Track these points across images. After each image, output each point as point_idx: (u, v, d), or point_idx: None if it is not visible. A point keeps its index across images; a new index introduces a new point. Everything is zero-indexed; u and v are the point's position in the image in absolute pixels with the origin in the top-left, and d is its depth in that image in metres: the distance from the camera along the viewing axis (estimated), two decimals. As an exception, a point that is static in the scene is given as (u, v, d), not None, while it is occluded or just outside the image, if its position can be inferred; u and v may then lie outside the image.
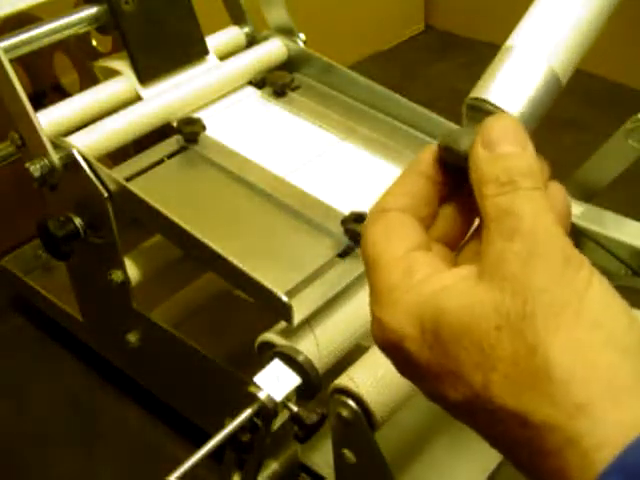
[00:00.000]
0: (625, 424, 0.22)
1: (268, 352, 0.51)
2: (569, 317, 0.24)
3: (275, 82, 0.73)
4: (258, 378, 0.49)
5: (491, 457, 0.50)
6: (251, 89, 0.74)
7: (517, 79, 0.29)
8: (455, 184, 0.30)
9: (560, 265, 0.25)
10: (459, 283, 0.26)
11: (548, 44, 0.29)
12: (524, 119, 0.29)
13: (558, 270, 0.25)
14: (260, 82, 0.75)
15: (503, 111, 0.28)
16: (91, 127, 0.63)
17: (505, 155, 0.27)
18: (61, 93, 0.79)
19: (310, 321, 0.53)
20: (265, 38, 0.76)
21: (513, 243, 0.25)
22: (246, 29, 0.76)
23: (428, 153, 0.30)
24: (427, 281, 0.27)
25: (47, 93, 0.80)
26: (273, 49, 0.75)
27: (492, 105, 0.29)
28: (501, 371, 0.24)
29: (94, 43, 0.76)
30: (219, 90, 0.71)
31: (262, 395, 0.48)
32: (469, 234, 0.30)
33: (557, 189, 0.29)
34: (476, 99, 0.29)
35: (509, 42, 0.30)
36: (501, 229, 0.26)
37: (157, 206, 0.56)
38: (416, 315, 0.26)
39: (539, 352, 0.23)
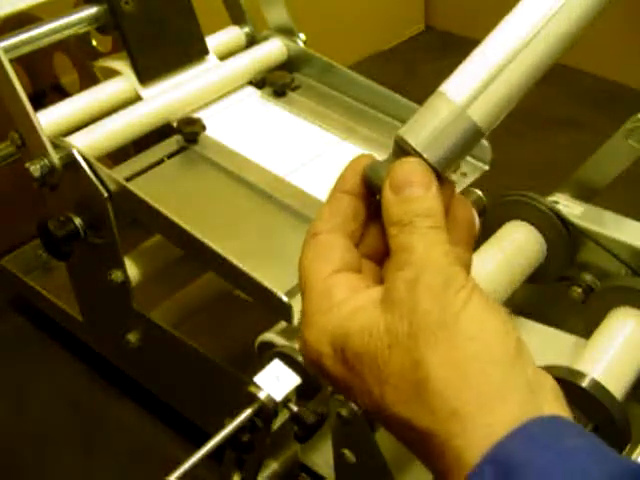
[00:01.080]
0: (492, 426, 0.26)
1: (268, 352, 0.51)
2: (446, 334, 0.27)
3: (275, 82, 0.73)
4: (258, 378, 0.49)
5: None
6: (251, 89, 0.74)
7: (437, 126, 0.31)
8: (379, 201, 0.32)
9: (441, 288, 0.28)
10: (366, 306, 0.29)
11: (474, 97, 0.31)
12: (437, 163, 0.31)
13: (439, 293, 0.28)
14: (260, 82, 0.75)
15: (417, 154, 0.31)
16: (91, 127, 0.63)
17: (408, 198, 0.30)
18: (61, 93, 0.79)
19: (310, 321, 0.53)
20: (265, 38, 0.76)
21: (403, 272, 0.29)
22: (246, 29, 0.76)
23: (351, 171, 0.33)
24: (343, 303, 0.30)
25: (47, 93, 0.80)
26: (273, 49, 0.75)
27: (409, 146, 0.31)
28: (392, 384, 0.28)
29: (94, 43, 0.76)
30: (219, 90, 0.71)
31: (262, 395, 0.48)
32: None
33: (460, 203, 0.33)
34: (398, 137, 0.32)
35: (442, 87, 0.32)
36: (397, 261, 0.29)
37: (157, 206, 0.56)
38: (330, 335, 0.30)
39: (421, 366, 0.27)
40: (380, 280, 0.32)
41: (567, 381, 0.50)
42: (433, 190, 0.30)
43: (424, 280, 0.28)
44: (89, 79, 0.71)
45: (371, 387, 0.28)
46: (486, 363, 0.27)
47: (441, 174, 0.31)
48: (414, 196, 0.30)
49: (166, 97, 0.67)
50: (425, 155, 0.31)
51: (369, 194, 0.32)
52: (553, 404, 0.27)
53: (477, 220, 0.33)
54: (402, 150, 0.32)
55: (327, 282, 0.31)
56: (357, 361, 0.29)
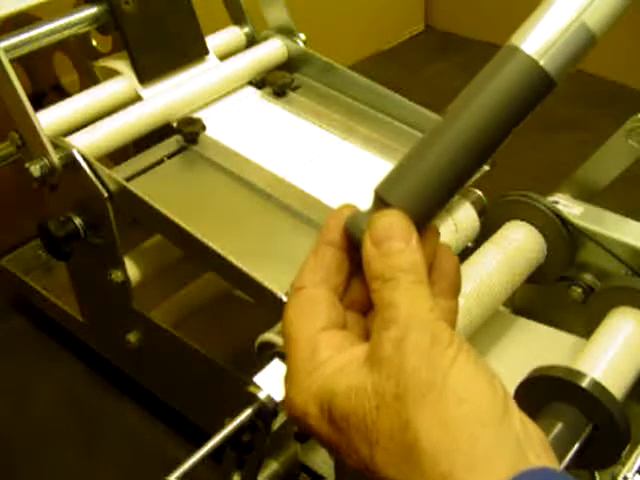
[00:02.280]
0: None
1: (268, 352, 0.51)
2: (435, 395, 0.27)
3: (275, 82, 0.73)
4: (258, 378, 0.49)
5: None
6: (251, 89, 0.74)
7: (410, 179, 0.31)
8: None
9: (427, 346, 0.28)
10: (352, 365, 0.29)
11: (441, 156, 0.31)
12: (414, 215, 0.31)
13: (425, 351, 0.28)
14: (260, 82, 0.75)
15: (394, 207, 0.31)
16: (91, 127, 0.63)
17: (389, 253, 0.30)
18: (61, 93, 0.79)
19: (310, 321, 0.53)
20: (265, 38, 0.76)
21: (389, 331, 0.29)
22: (246, 29, 0.76)
23: (334, 222, 0.33)
24: (328, 362, 0.30)
25: (47, 93, 0.80)
26: (273, 49, 0.75)
27: (386, 200, 0.31)
28: (382, 445, 0.28)
29: (94, 43, 0.76)
30: (219, 90, 0.71)
31: (262, 395, 0.48)
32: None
33: (444, 253, 0.33)
34: (376, 191, 0.32)
35: (408, 152, 0.32)
36: (382, 318, 0.29)
37: (157, 206, 0.56)
38: (315, 395, 0.30)
39: (410, 428, 0.27)
40: (365, 333, 0.32)
41: (567, 381, 0.50)
42: (413, 243, 0.30)
43: (410, 339, 0.28)
44: (89, 79, 0.71)
45: (359, 448, 0.28)
46: (476, 425, 0.27)
47: (423, 224, 0.31)
48: (395, 250, 0.30)
49: (166, 97, 0.67)
50: (404, 208, 0.31)
51: (352, 246, 0.32)
52: (543, 456, 0.27)
53: (460, 269, 0.33)
54: (382, 202, 0.32)
55: (312, 340, 0.31)
56: (344, 422, 0.29)
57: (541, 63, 0.31)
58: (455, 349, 0.28)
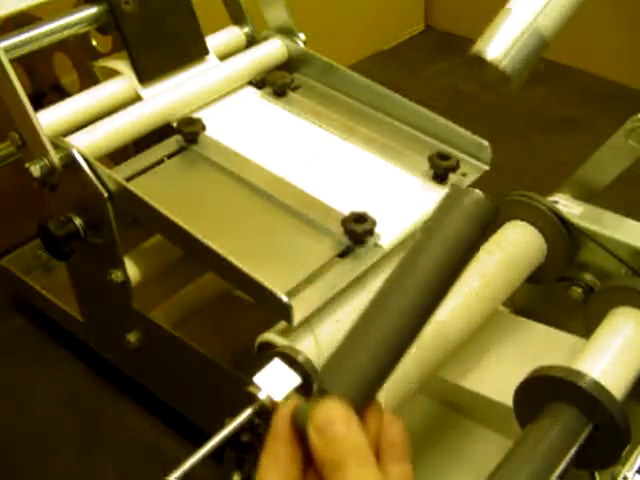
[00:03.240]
0: None
1: (268, 352, 0.51)
2: None
3: (275, 82, 0.73)
4: (258, 378, 0.49)
5: (487, 463, 0.50)
6: (251, 89, 0.74)
7: (346, 365, 0.34)
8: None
9: None
10: None
11: None
12: (354, 399, 0.33)
13: None
14: (260, 82, 0.75)
15: (333, 394, 0.33)
16: (91, 127, 0.63)
17: (333, 439, 0.31)
18: (61, 93, 0.79)
19: (310, 321, 0.53)
20: (265, 38, 0.76)
21: None
22: (246, 29, 0.76)
23: (280, 417, 0.34)
24: None
25: (47, 93, 0.80)
26: (273, 49, 0.75)
27: (325, 388, 0.33)
28: None
29: (94, 43, 0.76)
30: (219, 90, 0.71)
31: (262, 395, 0.48)
32: None
33: (391, 424, 0.35)
34: (319, 386, 0.34)
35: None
36: None
37: (157, 206, 0.56)
38: None
39: None
40: None
41: (567, 381, 0.50)
42: (354, 425, 0.32)
43: None
44: (89, 79, 0.71)
45: None
46: None
47: (364, 405, 0.33)
48: (338, 435, 0.31)
49: (166, 97, 0.67)
50: (343, 393, 0.33)
51: (301, 437, 0.33)
52: None
53: (406, 433, 0.35)
54: (321, 390, 0.33)
55: None
56: None
57: (502, 65, 0.34)
58: None
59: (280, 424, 0.34)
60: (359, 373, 0.33)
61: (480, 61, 0.34)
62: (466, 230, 0.34)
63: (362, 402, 0.33)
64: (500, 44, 0.34)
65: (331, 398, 0.33)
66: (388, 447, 0.34)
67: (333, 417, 0.32)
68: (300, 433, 0.33)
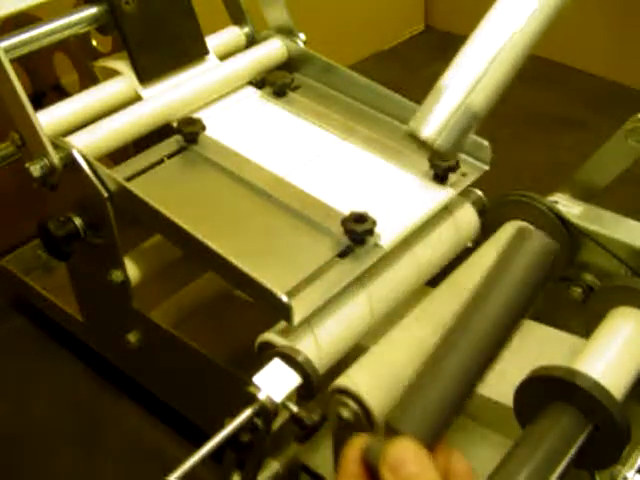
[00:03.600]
0: None
1: (268, 352, 0.51)
2: None
3: (275, 82, 0.73)
4: (258, 378, 0.49)
5: (488, 461, 0.50)
6: (251, 89, 0.74)
7: (418, 407, 0.34)
8: None
9: None
10: None
11: None
12: (425, 438, 0.34)
13: None
14: (260, 82, 0.75)
15: (405, 433, 0.33)
16: (91, 127, 0.63)
17: (407, 478, 0.32)
18: (61, 93, 0.79)
19: (310, 321, 0.53)
20: (265, 38, 0.76)
21: None
22: (246, 29, 0.76)
23: (351, 453, 0.35)
24: None
25: (47, 93, 0.80)
26: (273, 49, 0.75)
27: (396, 428, 0.34)
28: None
29: (94, 43, 0.76)
30: (219, 90, 0.71)
31: (262, 395, 0.48)
32: None
33: (457, 460, 0.35)
34: (387, 420, 0.34)
35: None
36: None
37: (157, 206, 0.56)
38: None
39: None
40: None
41: (567, 381, 0.50)
42: (427, 464, 0.32)
43: None
44: (89, 79, 0.71)
45: None
46: None
47: (434, 443, 0.34)
48: (411, 474, 0.32)
49: (166, 97, 0.67)
50: (415, 432, 0.33)
51: (371, 475, 0.34)
52: None
53: (471, 472, 0.36)
54: (393, 430, 0.34)
55: None
56: None
57: (435, 145, 0.36)
58: None
59: (351, 461, 0.35)
60: (430, 412, 0.34)
61: (415, 139, 0.36)
62: (534, 271, 0.37)
63: (432, 441, 0.34)
64: (433, 123, 0.36)
65: (403, 437, 0.33)
66: None
67: (406, 456, 0.33)
68: (371, 471, 0.34)
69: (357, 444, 0.35)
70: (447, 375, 0.35)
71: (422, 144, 0.37)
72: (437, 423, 0.34)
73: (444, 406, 0.34)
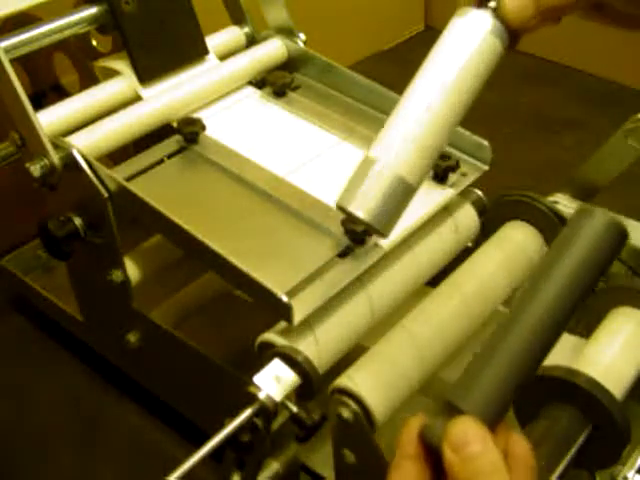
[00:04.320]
0: None
1: (268, 352, 0.51)
2: None
3: (275, 82, 0.73)
4: (258, 378, 0.49)
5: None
6: (251, 89, 0.74)
7: (480, 385, 0.34)
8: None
9: None
10: None
11: None
12: (487, 418, 0.33)
13: None
14: (260, 82, 0.75)
15: (467, 413, 0.33)
16: (91, 127, 0.63)
17: (470, 457, 0.32)
18: (61, 93, 0.79)
19: (310, 321, 0.53)
20: (265, 38, 0.76)
21: None
22: (246, 29, 0.76)
23: (407, 434, 0.35)
24: None
25: (47, 93, 0.80)
26: (273, 49, 0.75)
27: (459, 407, 0.34)
28: None
29: (94, 43, 0.76)
30: (219, 90, 0.71)
31: (262, 395, 0.48)
32: None
33: (516, 442, 0.35)
34: (448, 398, 0.34)
35: None
36: None
37: (157, 206, 0.56)
38: None
39: None
40: None
41: (567, 381, 0.50)
42: (490, 444, 0.32)
43: None
44: (89, 79, 0.71)
45: None
46: None
47: (495, 423, 0.34)
48: (474, 454, 0.32)
49: (166, 97, 0.67)
50: (477, 412, 0.33)
51: (430, 455, 0.34)
52: None
53: (532, 454, 0.35)
54: (455, 409, 0.34)
55: None
56: None
57: (367, 219, 0.35)
58: None
59: (408, 441, 0.35)
60: (492, 392, 0.34)
61: (347, 213, 0.34)
62: (596, 253, 0.35)
63: (494, 420, 0.34)
64: (364, 197, 0.34)
65: (466, 416, 0.33)
66: (514, 465, 0.34)
67: (469, 436, 0.33)
68: (429, 451, 0.34)
69: (415, 424, 0.35)
70: (508, 356, 0.34)
71: (355, 217, 0.35)
72: (498, 403, 0.34)
73: (505, 387, 0.34)
